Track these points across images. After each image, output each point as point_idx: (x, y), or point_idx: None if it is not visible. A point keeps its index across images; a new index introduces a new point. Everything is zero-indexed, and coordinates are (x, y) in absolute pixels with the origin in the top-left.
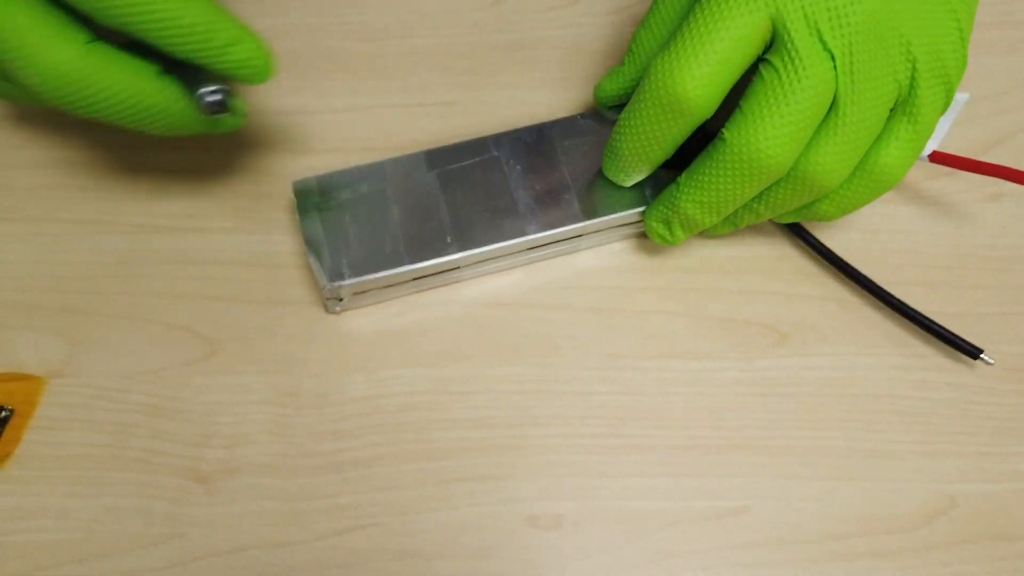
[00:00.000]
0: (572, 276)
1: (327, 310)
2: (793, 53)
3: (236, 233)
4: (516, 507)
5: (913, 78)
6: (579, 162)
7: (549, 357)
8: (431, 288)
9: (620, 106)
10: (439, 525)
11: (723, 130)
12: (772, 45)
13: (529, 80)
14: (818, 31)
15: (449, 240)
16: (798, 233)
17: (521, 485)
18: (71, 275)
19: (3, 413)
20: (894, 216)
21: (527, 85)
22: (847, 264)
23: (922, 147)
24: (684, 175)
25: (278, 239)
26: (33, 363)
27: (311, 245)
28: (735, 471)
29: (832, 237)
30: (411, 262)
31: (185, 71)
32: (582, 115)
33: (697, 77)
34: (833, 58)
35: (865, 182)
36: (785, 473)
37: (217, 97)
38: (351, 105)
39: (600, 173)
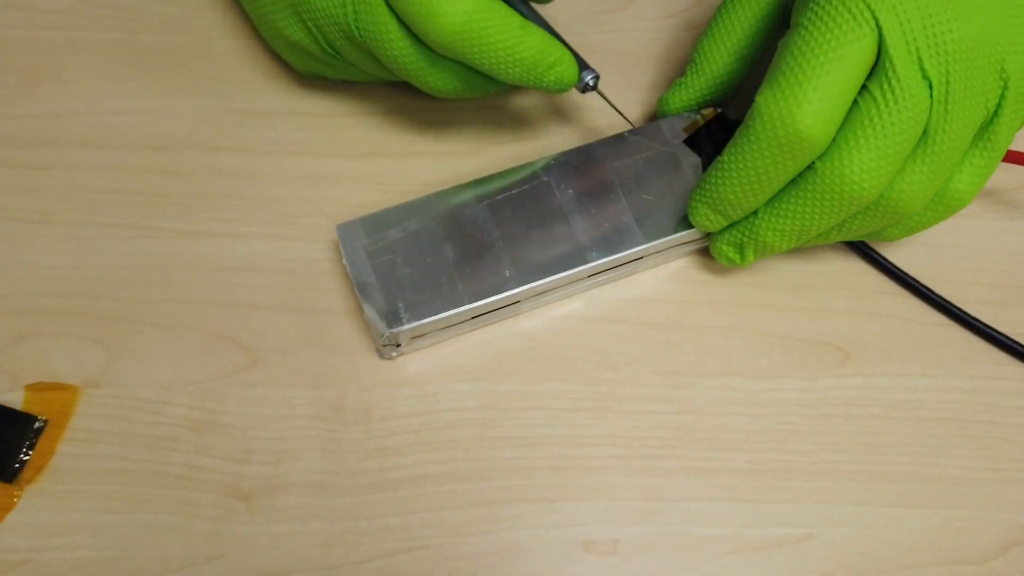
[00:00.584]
0: (629, 288)
1: (381, 357)
2: (894, 81)
3: (276, 239)
4: (571, 531)
5: (1000, 101)
6: (632, 181)
7: (605, 373)
8: (491, 324)
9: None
10: (491, 549)
11: (815, 162)
12: (872, 71)
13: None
14: (919, 56)
15: (508, 274)
16: (861, 249)
17: (576, 508)
18: (108, 279)
19: (37, 424)
20: (959, 231)
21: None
22: (914, 280)
23: (994, 170)
24: (767, 204)
25: (319, 246)
26: (68, 372)
27: (363, 291)
28: (798, 496)
29: (894, 252)
30: (471, 300)
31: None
32: (629, 131)
33: (817, 112)
34: (931, 86)
35: (936, 207)
36: (850, 499)
37: (595, 81)
38: (395, 108)
39: (656, 191)
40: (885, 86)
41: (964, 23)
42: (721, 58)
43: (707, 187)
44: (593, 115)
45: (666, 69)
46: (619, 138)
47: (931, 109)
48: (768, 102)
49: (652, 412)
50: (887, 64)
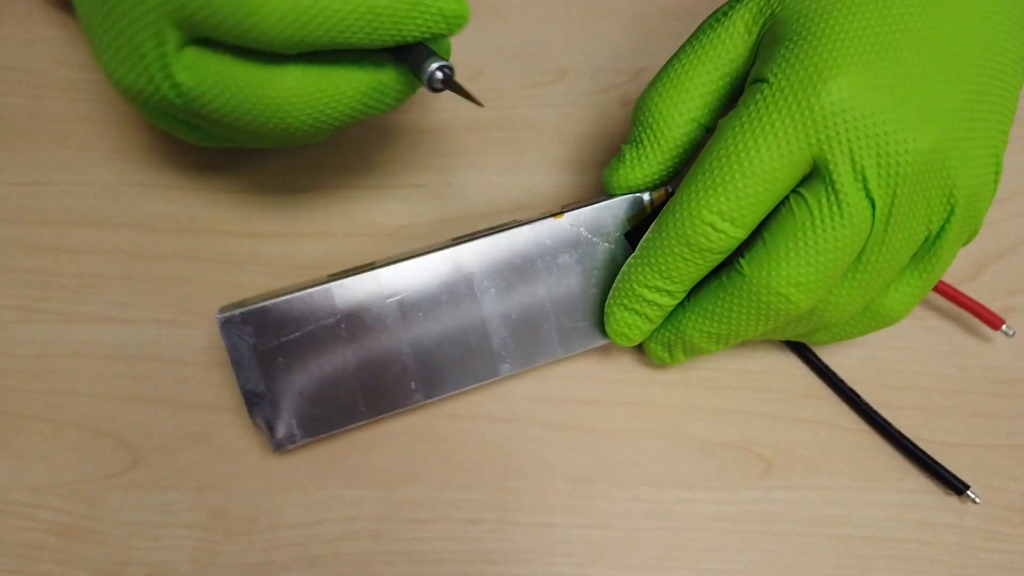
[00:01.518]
0: (543, 386)
1: (273, 450)
2: (832, 196)
3: (171, 326)
4: None
5: (945, 223)
6: (560, 280)
7: (511, 480)
8: (391, 419)
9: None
10: None
11: (742, 261)
12: (809, 176)
13: (506, 163)
14: (864, 176)
15: (414, 387)
16: (793, 347)
17: None
18: None
19: None
20: (896, 333)
21: (504, 168)
22: (844, 384)
23: (930, 289)
24: (692, 301)
25: (216, 335)
26: None
27: (250, 401)
28: None
29: (828, 352)
30: (371, 415)
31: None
32: (571, 220)
33: (734, 217)
34: (873, 205)
35: (865, 320)
36: None
37: (447, 72)
38: (311, 184)
39: (582, 294)
40: (824, 200)
41: (917, 143)
42: (682, 122)
43: (622, 286)
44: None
45: (598, 148)
46: (556, 227)
47: (872, 228)
48: (684, 198)
49: (559, 525)
50: (826, 175)
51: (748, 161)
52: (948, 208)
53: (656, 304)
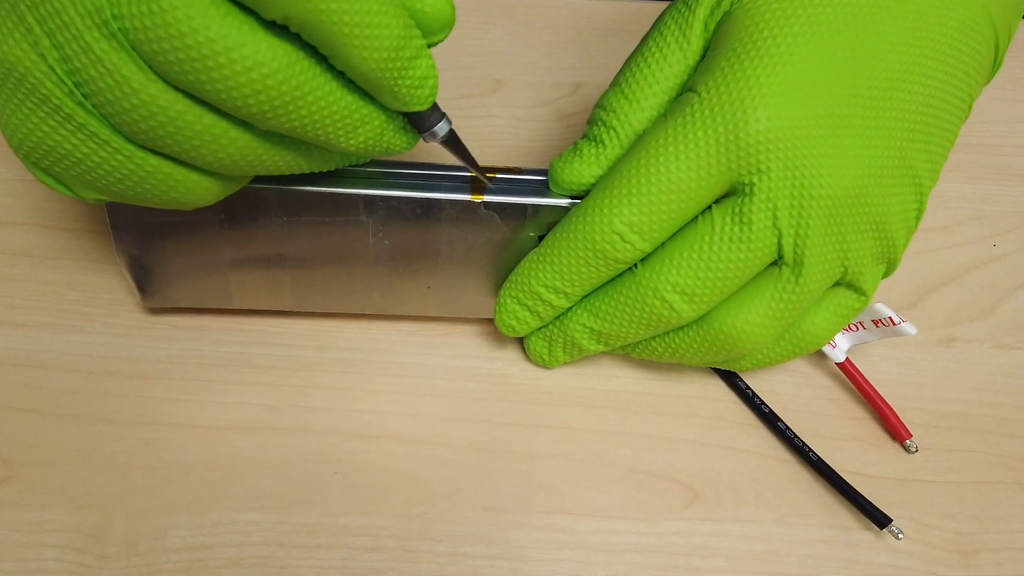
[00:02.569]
0: (456, 407)
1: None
2: (737, 219)
3: (67, 332)
4: None
5: (862, 259)
6: (456, 251)
7: (418, 507)
8: (287, 431)
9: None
10: None
11: (638, 264)
12: (726, 196)
13: None
14: (775, 207)
15: (285, 296)
16: (722, 374)
17: None
18: None
19: None
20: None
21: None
22: (771, 412)
23: (854, 318)
24: (582, 299)
25: (115, 343)
26: None
27: (125, 261)
28: None
29: (758, 378)
30: (241, 305)
31: None
32: (486, 203)
33: (643, 228)
34: (780, 236)
35: (787, 345)
36: None
37: (449, 128)
38: None
39: (476, 270)
40: (729, 220)
41: (836, 183)
42: (644, 121)
43: (519, 279)
44: None
45: (532, 161)
46: (470, 206)
47: (780, 259)
48: (596, 203)
49: (467, 556)
50: (740, 202)
51: (667, 176)
52: (865, 243)
53: (550, 304)
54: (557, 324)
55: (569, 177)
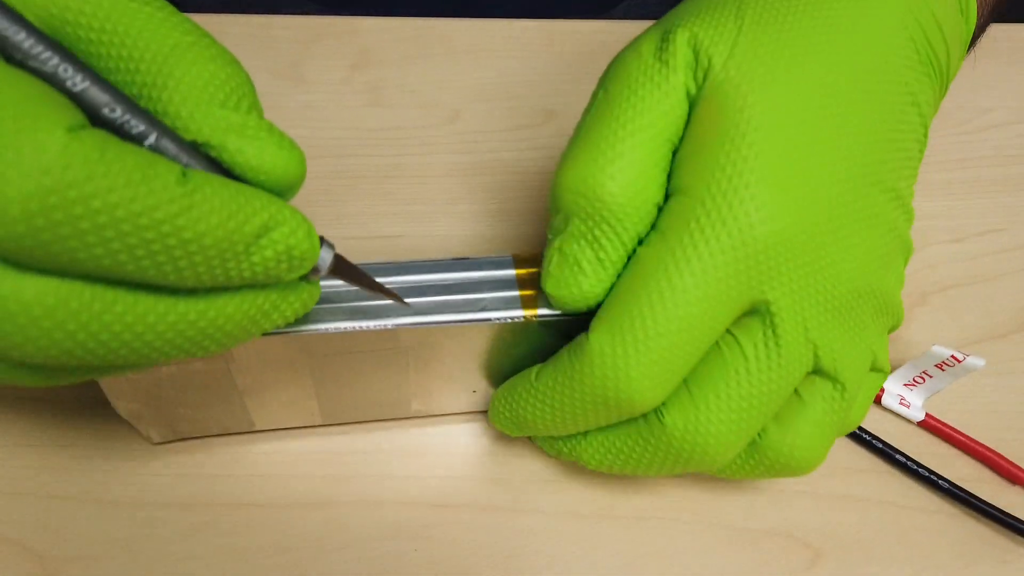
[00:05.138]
0: (539, 466)
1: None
2: (771, 339)
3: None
4: None
5: (883, 339)
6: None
7: None
8: (358, 505)
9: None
10: None
11: (662, 408)
12: (745, 316)
13: (491, 210)
14: (805, 324)
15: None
16: None
17: None
18: None
19: None
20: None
21: (489, 216)
22: (894, 450)
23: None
24: (591, 434)
25: None
26: None
27: (123, 409)
28: None
29: (874, 417)
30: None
31: None
32: (540, 316)
33: (659, 376)
34: (816, 348)
35: (757, 463)
36: None
37: (330, 256)
38: None
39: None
40: (759, 345)
41: (851, 276)
42: (645, 207)
43: (512, 404)
44: None
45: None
46: (524, 326)
47: (819, 371)
48: (603, 349)
49: None
50: (770, 321)
51: (685, 309)
52: (882, 323)
53: (543, 433)
54: (569, 447)
55: (580, 297)
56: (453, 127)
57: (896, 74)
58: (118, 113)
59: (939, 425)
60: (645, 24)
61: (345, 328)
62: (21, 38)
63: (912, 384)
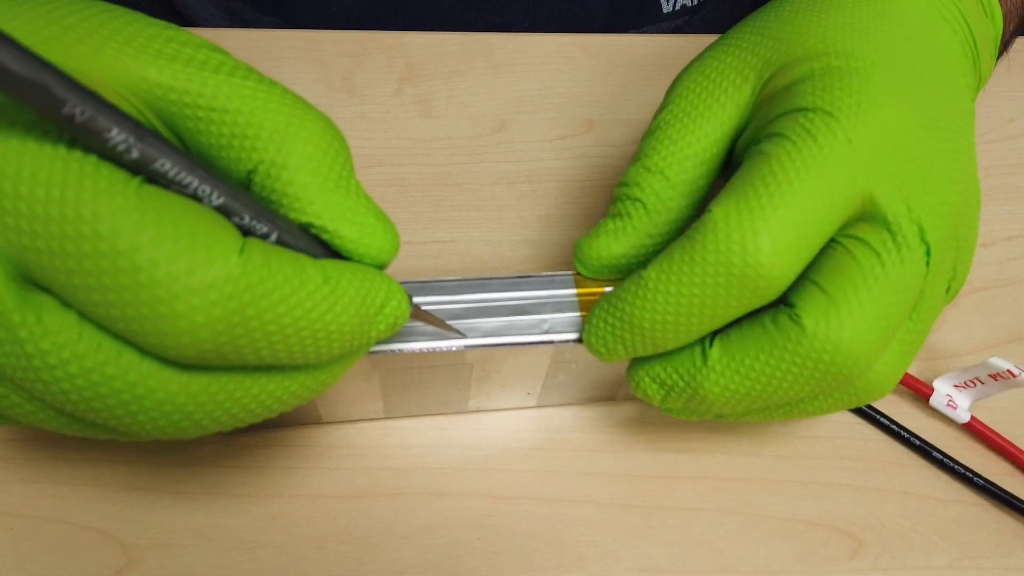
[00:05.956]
0: (591, 460)
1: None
2: (900, 238)
3: None
4: None
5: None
6: (564, 374)
7: (569, 571)
8: (425, 501)
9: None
10: None
11: (796, 311)
12: (860, 221)
13: (538, 216)
14: (920, 224)
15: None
16: (861, 413)
17: None
18: None
19: None
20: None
21: (537, 222)
22: (924, 442)
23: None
24: (718, 355)
25: None
26: None
27: None
28: None
29: (905, 415)
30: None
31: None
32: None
33: (787, 245)
34: (929, 252)
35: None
36: None
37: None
38: None
39: (579, 381)
40: (888, 240)
41: (955, 189)
42: (674, 196)
43: (618, 307)
44: None
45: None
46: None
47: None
48: (728, 215)
49: None
50: (887, 216)
51: (810, 184)
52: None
53: (653, 343)
54: (684, 375)
55: (593, 253)
56: (499, 137)
57: (958, 64)
58: (246, 220)
59: (983, 429)
60: (673, 37)
61: (417, 349)
62: (167, 167)
63: (963, 386)
